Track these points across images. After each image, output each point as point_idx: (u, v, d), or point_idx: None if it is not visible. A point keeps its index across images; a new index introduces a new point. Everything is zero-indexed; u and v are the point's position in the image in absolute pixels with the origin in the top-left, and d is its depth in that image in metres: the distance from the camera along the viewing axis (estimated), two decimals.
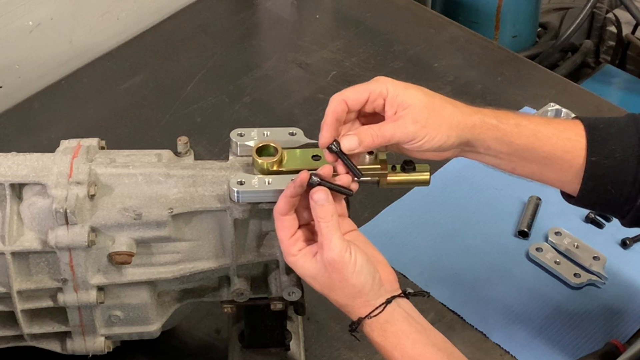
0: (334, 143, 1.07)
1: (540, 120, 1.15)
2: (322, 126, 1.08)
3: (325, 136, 1.08)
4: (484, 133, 1.12)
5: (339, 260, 1.04)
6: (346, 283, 1.05)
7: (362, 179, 1.13)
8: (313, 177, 1.06)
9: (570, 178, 1.13)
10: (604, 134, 1.12)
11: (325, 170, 1.08)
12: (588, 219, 1.51)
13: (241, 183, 1.10)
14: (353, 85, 1.11)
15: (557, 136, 1.12)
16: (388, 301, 1.07)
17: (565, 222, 1.50)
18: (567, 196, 1.17)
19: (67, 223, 1.09)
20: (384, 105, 1.10)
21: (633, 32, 2.64)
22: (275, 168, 1.12)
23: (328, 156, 1.08)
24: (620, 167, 1.11)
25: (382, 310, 1.06)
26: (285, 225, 1.07)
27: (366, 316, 1.06)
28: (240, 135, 1.16)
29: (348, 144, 1.07)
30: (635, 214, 1.14)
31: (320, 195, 1.05)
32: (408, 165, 1.16)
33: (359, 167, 1.10)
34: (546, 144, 1.12)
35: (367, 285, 1.06)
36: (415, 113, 1.08)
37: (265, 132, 1.16)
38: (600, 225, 1.51)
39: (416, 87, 1.11)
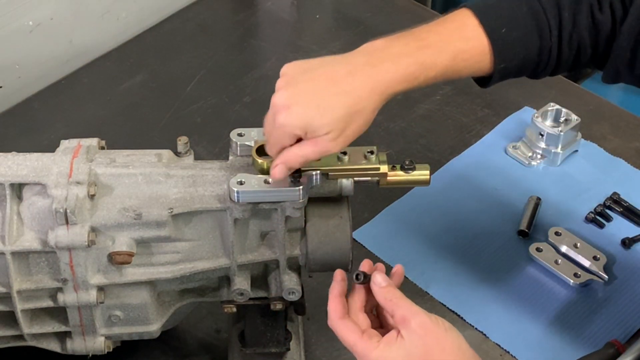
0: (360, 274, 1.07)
1: (447, 50, 1.12)
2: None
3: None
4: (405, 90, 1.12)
5: (429, 321, 1.02)
6: (445, 343, 1.02)
7: (362, 179, 1.14)
8: (357, 274, 1.06)
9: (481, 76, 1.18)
10: (508, 41, 1.15)
11: (366, 265, 1.09)
12: (588, 219, 1.52)
13: (241, 183, 1.10)
14: (269, 141, 1.09)
15: (467, 67, 1.14)
16: None
17: (565, 222, 1.50)
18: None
19: (67, 223, 1.09)
20: None
21: None
22: None
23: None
24: (524, 60, 1.17)
25: None
26: (351, 328, 1.04)
27: None
28: (240, 135, 1.16)
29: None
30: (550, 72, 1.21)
31: (381, 276, 1.05)
32: (408, 165, 1.16)
33: (356, 166, 1.12)
34: (458, 74, 1.15)
35: (463, 342, 1.04)
36: (331, 138, 1.06)
37: None
38: (600, 225, 1.51)
39: (322, 108, 1.06)
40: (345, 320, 1.05)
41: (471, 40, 1.13)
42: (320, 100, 1.05)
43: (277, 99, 1.07)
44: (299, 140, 1.06)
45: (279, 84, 1.09)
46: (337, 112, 1.05)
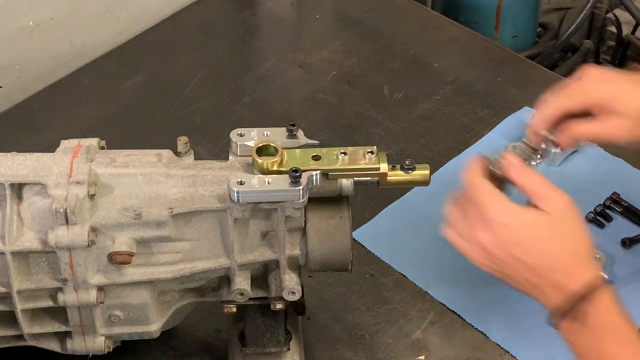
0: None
1: None
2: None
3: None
4: None
5: (572, 203, 1.00)
6: (579, 228, 1.00)
7: (362, 179, 1.14)
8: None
9: None
10: None
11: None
12: (588, 219, 1.51)
13: (241, 183, 1.10)
14: (568, 90, 1.11)
15: None
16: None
17: None
18: None
19: (67, 223, 1.09)
20: None
21: (633, 32, 2.64)
22: (275, 168, 1.12)
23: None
24: None
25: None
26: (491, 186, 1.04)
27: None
28: (240, 135, 1.16)
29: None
30: None
31: (513, 156, 1.06)
32: (408, 165, 1.16)
33: (356, 166, 1.12)
34: None
35: (591, 244, 1.01)
36: (632, 122, 1.08)
37: (265, 132, 1.16)
38: (600, 225, 1.51)
39: (627, 91, 1.09)
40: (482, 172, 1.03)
41: None
42: (636, 85, 1.09)
43: (594, 70, 1.11)
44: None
45: None
46: None
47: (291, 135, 1.15)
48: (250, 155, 1.13)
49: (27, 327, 1.18)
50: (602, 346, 0.98)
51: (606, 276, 1.41)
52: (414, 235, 1.50)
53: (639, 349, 0.97)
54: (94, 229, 1.11)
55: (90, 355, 1.21)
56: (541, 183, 1.03)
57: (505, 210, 1.01)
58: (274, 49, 1.88)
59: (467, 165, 1.05)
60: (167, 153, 1.19)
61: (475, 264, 1.04)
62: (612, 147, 1.64)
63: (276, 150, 1.13)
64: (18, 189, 1.13)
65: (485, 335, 1.37)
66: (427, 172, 1.18)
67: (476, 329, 1.37)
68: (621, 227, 1.51)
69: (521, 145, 1.62)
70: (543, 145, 1.11)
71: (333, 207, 1.16)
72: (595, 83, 1.10)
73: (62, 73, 1.80)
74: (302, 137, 1.16)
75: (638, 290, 1.42)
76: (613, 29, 2.68)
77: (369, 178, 1.15)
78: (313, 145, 1.15)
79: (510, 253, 1.00)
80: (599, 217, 1.51)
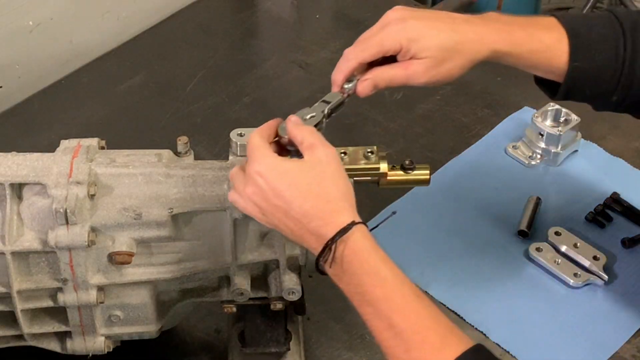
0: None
1: (526, 36, 1.17)
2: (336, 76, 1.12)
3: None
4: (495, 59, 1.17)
5: (334, 155, 1.03)
6: (339, 181, 1.02)
7: (362, 179, 1.14)
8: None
9: (551, 77, 1.19)
10: (585, 40, 1.16)
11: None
12: (588, 219, 1.51)
13: None
14: (365, 39, 1.12)
15: (542, 51, 1.16)
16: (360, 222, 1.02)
17: (565, 222, 1.50)
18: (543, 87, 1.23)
19: (67, 223, 1.09)
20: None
21: None
22: None
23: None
24: (599, 69, 1.16)
25: (365, 227, 1.02)
26: (263, 139, 1.06)
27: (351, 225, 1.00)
28: (240, 135, 1.16)
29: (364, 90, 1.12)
30: (610, 107, 1.20)
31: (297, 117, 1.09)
32: (408, 165, 1.16)
33: (356, 166, 1.13)
34: (533, 60, 1.18)
35: (351, 191, 1.03)
36: (429, 63, 1.11)
37: None
38: (600, 225, 1.51)
39: (435, 29, 1.11)
40: (261, 136, 1.06)
41: (552, 30, 1.16)
42: (435, 23, 1.11)
43: (393, 12, 1.12)
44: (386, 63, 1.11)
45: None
46: (444, 41, 1.10)
47: None
48: None
49: (27, 327, 1.18)
50: (360, 288, 1.00)
51: (606, 276, 1.42)
52: (414, 235, 1.50)
53: (394, 288, 1.00)
54: (94, 229, 1.11)
55: (90, 355, 1.21)
56: (310, 135, 1.05)
57: (266, 162, 1.03)
58: (274, 49, 1.88)
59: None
60: (167, 153, 1.19)
61: (253, 217, 1.06)
62: (612, 147, 1.64)
63: None
64: (18, 189, 1.13)
65: (485, 335, 1.37)
66: (427, 172, 1.18)
67: (476, 329, 1.37)
68: (621, 227, 1.51)
69: (521, 146, 1.62)
70: (345, 96, 1.13)
71: None
72: (390, 29, 1.11)
73: (62, 73, 1.80)
74: None
75: (638, 290, 1.42)
76: None
77: (369, 178, 1.15)
78: None
79: (272, 203, 1.02)
80: (599, 217, 1.51)
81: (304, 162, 1.03)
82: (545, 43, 1.15)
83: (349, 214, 1.01)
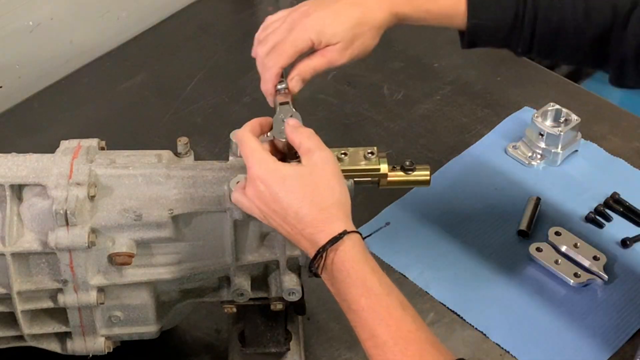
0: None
1: None
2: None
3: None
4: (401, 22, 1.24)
5: (332, 158, 1.05)
6: (335, 186, 1.04)
7: (362, 179, 1.14)
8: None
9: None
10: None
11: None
12: (588, 219, 1.51)
13: None
14: (277, 44, 1.17)
15: (443, 9, 1.24)
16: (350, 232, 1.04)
17: (565, 222, 1.50)
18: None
19: (67, 224, 1.09)
20: None
21: None
22: None
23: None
24: (497, 24, 1.25)
25: (358, 235, 1.04)
26: (256, 141, 1.08)
27: (340, 233, 1.02)
28: None
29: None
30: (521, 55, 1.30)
31: (295, 120, 1.11)
32: (408, 165, 1.16)
33: (357, 167, 1.14)
34: (433, 19, 1.25)
35: (346, 197, 1.05)
36: (342, 47, 1.17)
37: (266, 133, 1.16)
38: (600, 225, 1.51)
39: (336, 13, 1.18)
40: (253, 135, 1.08)
41: None
42: (336, 8, 1.17)
43: (296, 12, 1.19)
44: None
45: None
46: (348, 22, 1.17)
47: None
48: None
49: (27, 328, 1.18)
50: (346, 296, 1.02)
51: (606, 276, 1.42)
52: (414, 235, 1.50)
53: (379, 299, 1.01)
54: (94, 230, 1.11)
55: (91, 355, 1.22)
56: (308, 139, 1.07)
57: (266, 167, 1.05)
58: None
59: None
60: (167, 154, 1.19)
61: (256, 217, 1.08)
62: (612, 147, 1.64)
63: None
64: (18, 190, 1.13)
65: (485, 335, 1.37)
66: (428, 172, 1.18)
67: (476, 329, 1.37)
68: (621, 227, 1.51)
69: (521, 146, 1.62)
70: (283, 99, 1.16)
71: None
72: (298, 29, 1.17)
73: (62, 73, 1.80)
74: None
75: (638, 290, 1.42)
76: None
77: (369, 179, 1.15)
78: None
79: (270, 206, 1.04)
80: (598, 217, 1.51)
81: (302, 168, 1.05)
82: (446, 2, 1.23)
83: (342, 222, 1.03)
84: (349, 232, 1.02)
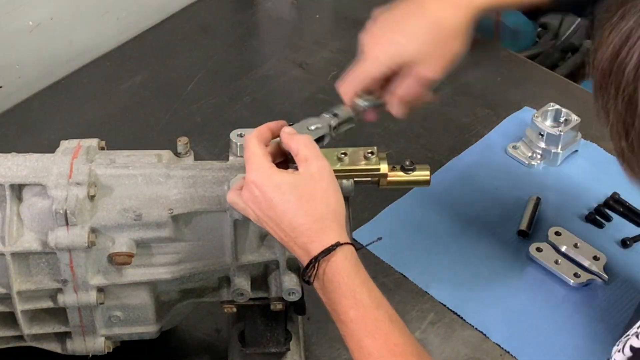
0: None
1: None
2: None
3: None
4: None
5: (329, 168, 1.05)
6: (330, 196, 1.04)
7: (362, 179, 1.14)
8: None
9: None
10: None
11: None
12: (588, 219, 1.51)
13: None
14: (354, 76, 1.17)
15: None
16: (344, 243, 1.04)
17: (565, 222, 1.50)
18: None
19: (67, 224, 1.09)
20: None
21: None
22: None
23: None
24: None
25: (352, 246, 1.04)
26: (261, 145, 1.08)
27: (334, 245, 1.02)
28: (240, 135, 1.16)
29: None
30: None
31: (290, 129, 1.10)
32: (408, 165, 1.16)
33: (357, 167, 1.13)
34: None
35: (341, 207, 1.05)
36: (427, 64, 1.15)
37: None
38: (600, 225, 1.51)
39: (409, 33, 1.15)
40: (258, 140, 1.07)
41: None
42: (405, 27, 1.15)
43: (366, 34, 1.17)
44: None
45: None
46: (422, 37, 1.14)
47: None
48: None
49: (27, 328, 1.18)
50: (336, 306, 1.03)
51: (606, 276, 1.42)
52: (414, 236, 1.50)
53: (368, 311, 1.02)
54: (94, 230, 1.11)
55: (91, 355, 1.22)
56: (305, 147, 1.07)
57: (262, 173, 1.05)
58: (274, 49, 1.88)
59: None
60: (167, 154, 1.19)
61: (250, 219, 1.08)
62: (612, 147, 1.63)
63: None
64: (18, 189, 1.13)
65: (485, 335, 1.37)
66: (428, 172, 1.18)
67: (476, 329, 1.37)
68: (621, 227, 1.51)
69: (521, 146, 1.62)
70: (355, 113, 1.17)
71: None
72: (381, 51, 1.16)
73: (62, 73, 1.80)
74: None
75: (638, 290, 1.42)
76: None
77: (369, 179, 1.15)
78: None
79: (264, 212, 1.05)
80: (598, 217, 1.51)
81: (298, 177, 1.05)
82: None
83: (335, 233, 1.04)
84: (342, 244, 1.03)
